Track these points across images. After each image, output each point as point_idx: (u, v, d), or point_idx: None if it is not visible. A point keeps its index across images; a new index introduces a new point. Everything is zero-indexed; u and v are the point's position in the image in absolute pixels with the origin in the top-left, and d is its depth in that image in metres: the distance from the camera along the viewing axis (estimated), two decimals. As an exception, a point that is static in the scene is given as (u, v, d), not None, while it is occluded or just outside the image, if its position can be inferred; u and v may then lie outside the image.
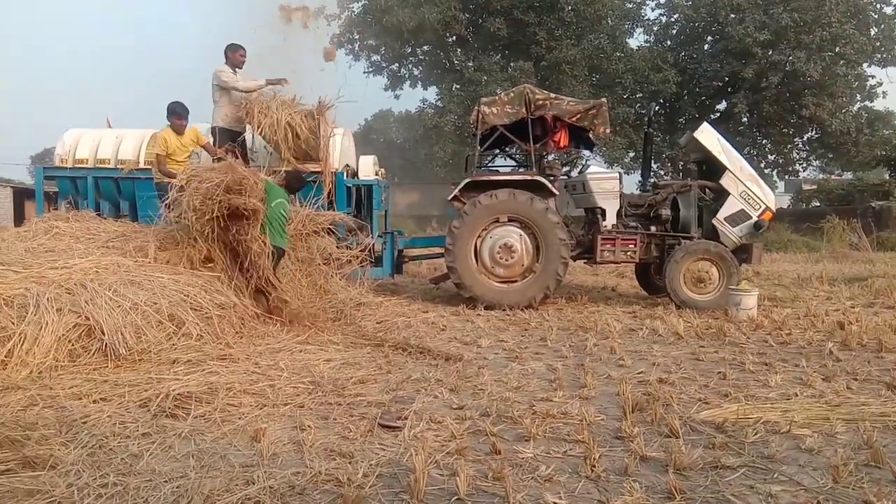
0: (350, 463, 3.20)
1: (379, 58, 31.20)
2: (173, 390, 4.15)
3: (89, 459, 3.16)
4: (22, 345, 4.54)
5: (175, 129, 7.60)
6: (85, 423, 3.66)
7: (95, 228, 6.77)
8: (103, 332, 4.81)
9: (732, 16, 26.87)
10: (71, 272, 5.32)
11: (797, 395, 4.39)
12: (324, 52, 10.94)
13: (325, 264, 7.32)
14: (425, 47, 31.19)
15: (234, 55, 8.13)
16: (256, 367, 4.92)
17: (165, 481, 2.95)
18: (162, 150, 7.57)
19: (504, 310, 8.21)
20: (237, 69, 8.15)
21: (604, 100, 9.05)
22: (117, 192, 9.57)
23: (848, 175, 30.44)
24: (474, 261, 8.52)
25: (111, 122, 10.71)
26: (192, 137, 7.75)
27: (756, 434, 3.59)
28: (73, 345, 4.76)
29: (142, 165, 9.42)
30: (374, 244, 8.96)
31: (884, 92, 28.73)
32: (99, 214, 8.12)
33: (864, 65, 27.95)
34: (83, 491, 2.83)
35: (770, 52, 25.79)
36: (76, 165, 9.69)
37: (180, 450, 3.33)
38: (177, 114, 7.61)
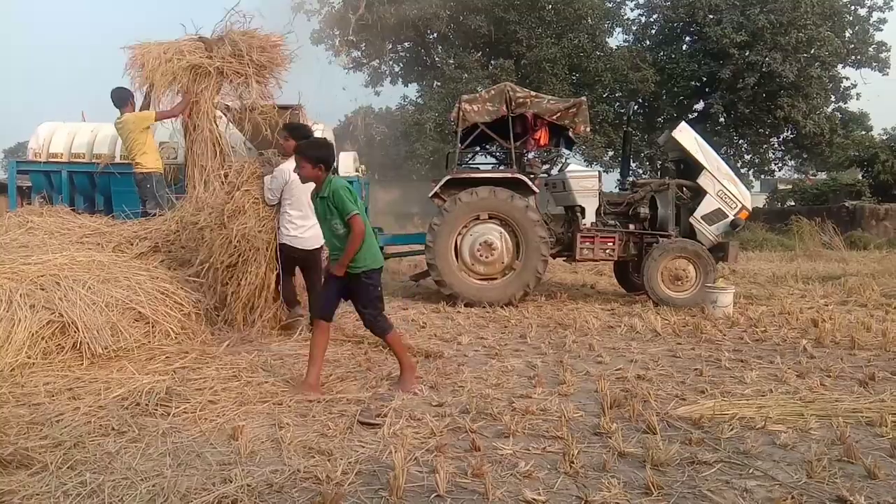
0: (329, 460, 3.18)
1: (359, 54, 31.08)
2: (150, 388, 4.11)
3: (64, 458, 3.11)
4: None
5: None
6: (59, 421, 3.61)
7: (70, 224, 6.66)
8: (77, 330, 4.74)
9: (710, 16, 27.17)
10: (45, 268, 5.22)
11: (772, 392, 4.46)
12: None
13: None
14: (406, 44, 31.14)
15: None
16: (234, 365, 4.88)
17: (141, 479, 2.92)
18: None
19: (484, 307, 8.23)
20: None
21: (583, 98, 9.10)
22: (92, 187, 9.43)
23: (822, 175, 30.93)
24: (454, 258, 8.52)
25: (86, 116, 10.56)
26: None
27: (732, 430, 3.64)
28: (46, 342, 4.68)
29: (117, 160, 9.29)
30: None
31: (857, 93, 29.28)
32: (73, 209, 7.99)
33: (839, 66, 28.40)
34: (58, 490, 2.79)
35: (747, 53, 26.12)
36: (50, 160, 9.54)
37: (157, 448, 3.29)
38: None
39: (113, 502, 2.72)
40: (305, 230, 5.87)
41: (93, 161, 9.39)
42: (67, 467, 3.02)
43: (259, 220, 5.81)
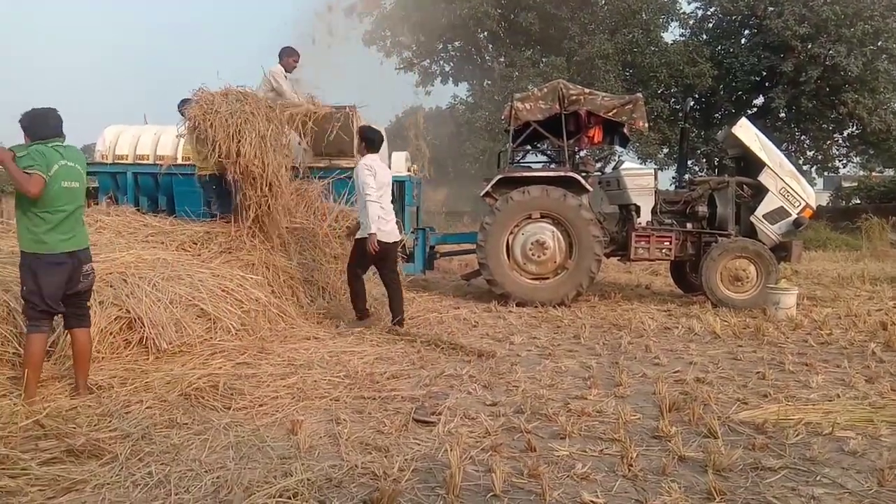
0: (386, 457, 3.22)
1: (410, 54, 31.25)
2: (211, 383, 4.23)
3: (133, 449, 3.22)
4: (65, 337, 4.65)
5: None
6: (127, 413, 3.75)
7: (136, 223, 6.90)
8: (143, 325, 4.91)
9: (771, 9, 26.29)
10: (113, 266, 5.43)
11: (839, 397, 4.30)
12: None
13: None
14: (457, 43, 31.15)
15: (288, 60, 8.02)
16: (292, 361, 4.99)
17: (206, 471, 3.01)
18: None
19: (536, 307, 8.17)
20: (288, 73, 8.10)
21: (639, 94, 8.94)
22: (156, 188, 9.74)
23: (890, 172, 29.57)
24: (506, 257, 8.49)
25: (147, 118, 10.90)
26: None
27: (797, 435, 3.53)
28: (114, 337, 4.86)
29: (179, 161, 9.57)
30: (405, 240, 8.98)
31: (929, 87, 27.79)
32: (138, 209, 8.26)
33: (909, 59, 27.08)
34: (127, 480, 2.90)
35: (809, 46, 25.16)
36: (116, 161, 9.89)
37: (220, 441, 3.39)
38: None
39: (179, 493, 2.81)
40: (387, 223, 6.22)
41: (156, 162, 9.69)
42: (136, 458, 3.14)
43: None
